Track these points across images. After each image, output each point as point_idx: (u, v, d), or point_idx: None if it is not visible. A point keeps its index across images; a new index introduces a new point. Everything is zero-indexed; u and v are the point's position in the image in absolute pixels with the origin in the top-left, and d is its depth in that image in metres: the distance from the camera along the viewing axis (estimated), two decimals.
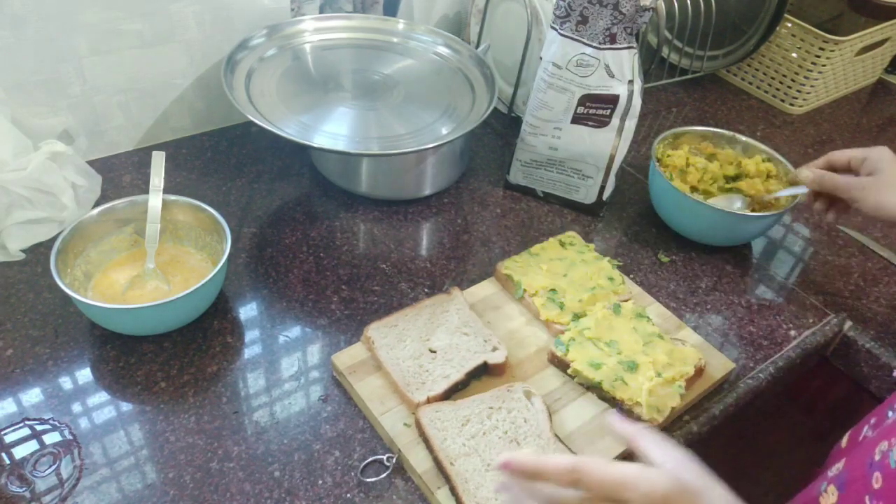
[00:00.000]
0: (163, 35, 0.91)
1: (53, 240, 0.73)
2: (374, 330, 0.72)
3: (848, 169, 0.79)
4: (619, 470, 0.45)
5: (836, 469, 0.59)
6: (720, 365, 0.75)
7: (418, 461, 0.63)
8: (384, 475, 0.64)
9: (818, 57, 1.19)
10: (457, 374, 0.69)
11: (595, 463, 0.45)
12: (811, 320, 0.85)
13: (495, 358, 0.71)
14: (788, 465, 0.97)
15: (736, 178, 0.95)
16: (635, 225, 0.96)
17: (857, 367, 0.86)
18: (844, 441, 0.68)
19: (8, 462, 0.62)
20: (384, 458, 0.65)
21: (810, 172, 0.80)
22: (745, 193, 0.92)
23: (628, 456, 0.57)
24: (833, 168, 0.80)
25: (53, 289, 0.74)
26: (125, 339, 0.73)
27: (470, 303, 0.78)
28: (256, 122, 0.82)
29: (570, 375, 0.72)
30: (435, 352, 0.71)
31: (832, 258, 0.95)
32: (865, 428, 0.65)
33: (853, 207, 0.77)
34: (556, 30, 0.85)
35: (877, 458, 0.53)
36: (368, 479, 0.63)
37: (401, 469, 0.65)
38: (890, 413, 0.61)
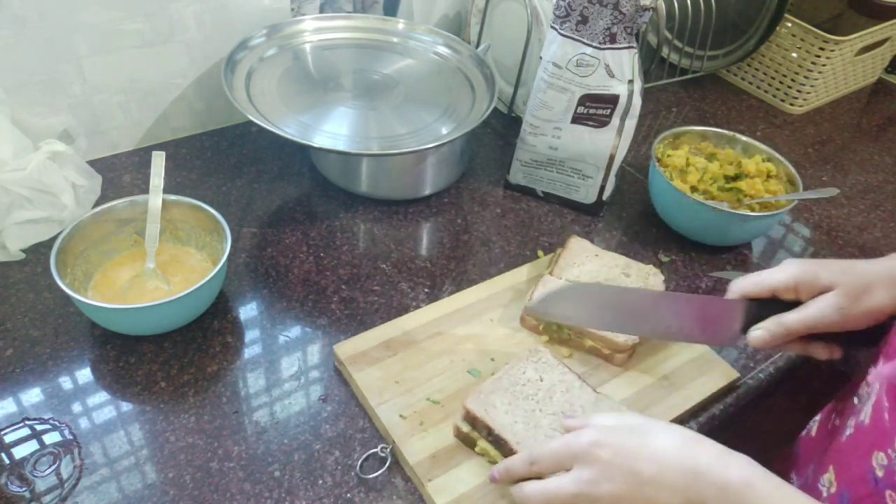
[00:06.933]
0: (163, 35, 0.91)
1: (53, 240, 0.73)
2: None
3: (774, 299, 0.63)
4: (556, 443, 0.55)
5: (828, 482, 0.58)
6: (723, 373, 0.75)
7: (411, 453, 0.64)
8: (382, 470, 0.64)
9: (818, 57, 1.19)
10: None
11: (541, 447, 0.56)
12: None
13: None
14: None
15: (736, 178, 0.94)
16: (635, 225, 0.96)
17: (856, 367, 0.85)
18: (814, 430, 0.67)
19: (8, 462, 0.62)
20: (378, 448, 0.65)
21: (764, 332, 0.61)
22: (744, 193, 0.92)
23: None
24: (756, 299, 0.63)
25: (53, 289, 0.74)
26: (125, 339, 0.73)
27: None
28: (256, 122, 0.82)
29: None
30: None
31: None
32: (833, 417, 0.64)
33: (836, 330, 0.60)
34: (556, 29, 0.85)
35: (879, 473, 0.51)
36: (367, 476, 0.63)
37: (398, 465, 0.65)
38: (856, 399, 0.59)
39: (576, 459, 0.53)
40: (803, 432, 0.71)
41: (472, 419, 0.64)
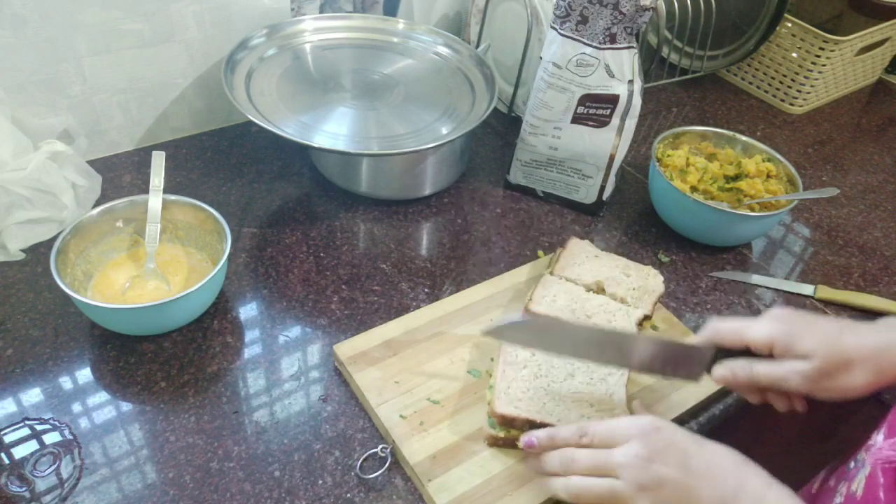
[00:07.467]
0: (163, 35, 0.91)
1: (53, 240, 0.74)
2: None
3: (747, 350, 0.61)
4: (616, 420, 0.57)
5: None
6: None
7: (411, 453, 0.64)
8: (382, 470, 0.64)
9: (818, 57, 1.19)
10: None
11: (595, 423, 0.57)
12: None
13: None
14: (789, 465, 0.97)
15: (736, 178, 0.95)
16: (635, 225, 0.96)
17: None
18: (816, 486, 0.67)
19: (8, 462, 0.62)
20: (378, 448, 0.65)
21: (725, 371, 0.61)
22: (744, 193, 0.92)
23: None
24: (726, 346, 0.62)
25: (53, 289, 0.74)
26: (125, 339, 0.73)
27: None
28: (256, 122, 0.82)
29: None
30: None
31: (832, 258, 0.95)
32: (829, 476, 0.64)
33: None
34: (556, 30, 0.85)
35: (837, 500, 0.52)
36: (367, 476, 0.63)
37: (398, 465, 0.65)
38: (852, 464, 0.59)
39: (633, 437, 0.54)
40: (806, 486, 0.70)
41: (508, 421, 0.64)
